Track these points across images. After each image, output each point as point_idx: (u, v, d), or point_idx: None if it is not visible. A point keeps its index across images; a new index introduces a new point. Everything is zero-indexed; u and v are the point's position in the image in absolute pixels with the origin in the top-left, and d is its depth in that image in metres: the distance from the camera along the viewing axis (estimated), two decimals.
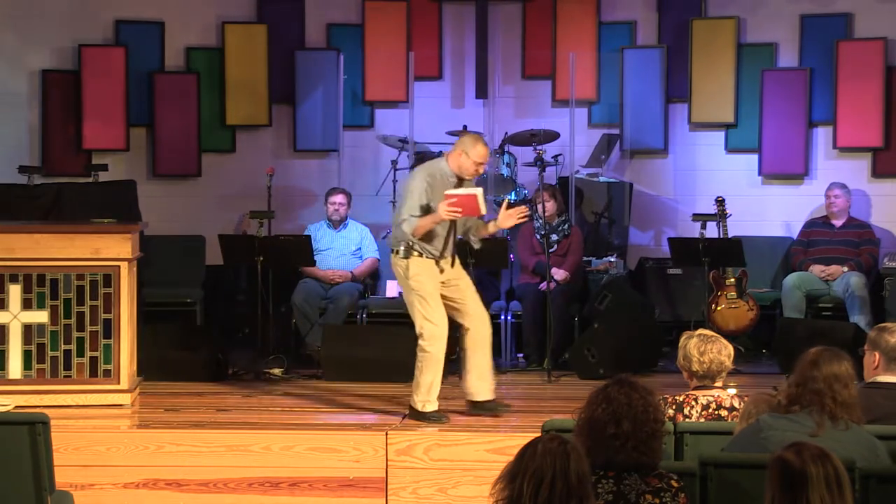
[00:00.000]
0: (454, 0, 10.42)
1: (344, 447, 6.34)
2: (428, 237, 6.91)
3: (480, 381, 7.01)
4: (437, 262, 6.95)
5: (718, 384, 5.20)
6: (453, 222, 6.98)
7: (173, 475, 6.34)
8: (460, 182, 6.97)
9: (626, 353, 8.22)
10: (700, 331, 5.31)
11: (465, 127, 9.89)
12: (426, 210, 6.87)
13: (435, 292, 6.90)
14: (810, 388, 4.25)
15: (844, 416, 4.25)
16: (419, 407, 6.81)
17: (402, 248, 6.92)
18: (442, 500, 6.23)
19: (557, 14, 10.29)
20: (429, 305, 6.86)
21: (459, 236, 7.22)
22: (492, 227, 7.13)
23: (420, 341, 6.87)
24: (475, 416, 7.21)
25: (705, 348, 5.16)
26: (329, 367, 8.20)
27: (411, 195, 6.93)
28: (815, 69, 9.89)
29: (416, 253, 6.91)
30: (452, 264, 7.05)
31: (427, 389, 6.83)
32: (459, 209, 6.76)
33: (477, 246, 7.41)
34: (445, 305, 6.93)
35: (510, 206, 7.21)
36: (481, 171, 7.06)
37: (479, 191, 6.82)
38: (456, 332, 7.08)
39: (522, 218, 7.10)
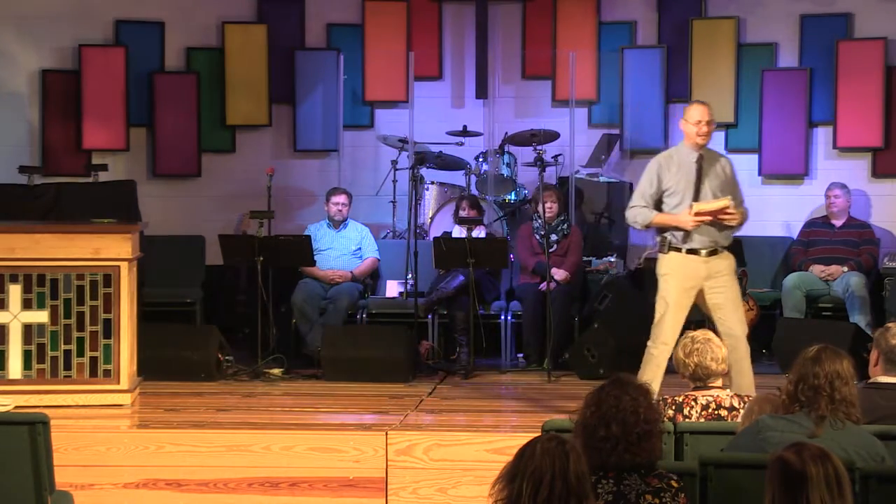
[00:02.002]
0: (454, 0, 10.42)
1: (344, 447, 6.33)
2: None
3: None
4: (696, 256, 6.63)
5: (718, 384, 5.20)
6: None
7: (173, 475, 6.33)
8: (702, 157, 6.71)
9: (626, 353, 8.19)
10: (698, 331, 5.31)
11: (464, 127, 9.90)
12: (658, 196, 6.69)
13: (679, 297, 6.62)
14: (811, 384, 4.25)
15: (843, 413, 4.24)
16: None
17: (659, 242, 6.70)
18: (442, 500, 6.23)
19: (557, 14, 10.30)
20: (668, 308, 6.64)
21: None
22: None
23: (650, 339, 6.71)
24: (475, 416, 7.23)
25: (691, 349, 5.17)
26: (329, 367, 8.20)
27: (641, 181, 6.78)
28: (815, 69, 9.89)
29: (672, 247, 6.66)
30: (717, 255, 6.67)
31: None
32: (709, 220, 6.54)
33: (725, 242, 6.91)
34: (704, 311, 6.70)
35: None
36: (705, 128, 6.68)
37: (725, 201, 6.55)
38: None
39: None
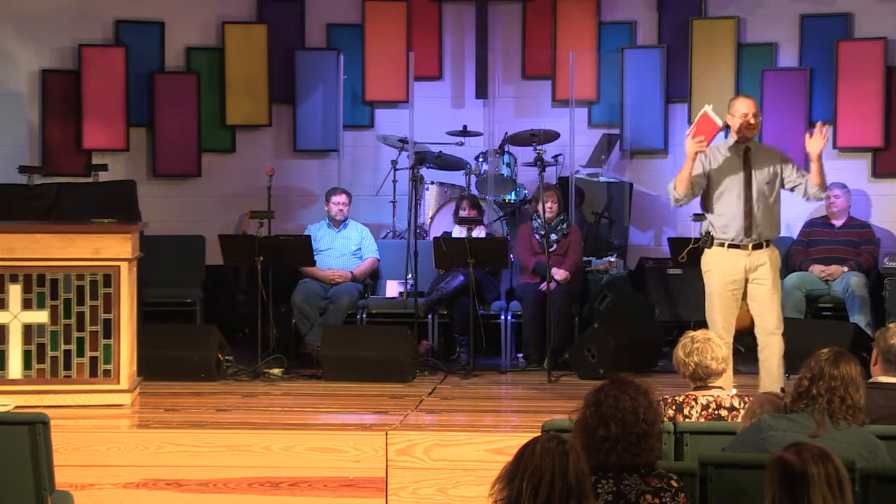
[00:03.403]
0: (454, 0, 10.42)
1: (344, 447, 6.33)
2: (720, 217, 6.70)
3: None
4: (738, 250, 6.69)
5: (718, 384, 5.20)
6: (748, 195, 6.69)
7: (173, 475, 6.33)
8: (748, 149, 6.75)
9: (626, 353, 8.22)
10: (699, 332, 5.31)
11: (464, 127, 9.91)
12: (699, 180, 6.72)
13: (724, 291, 6.68)
14: (826, 383, 4.27)
15: (851, 417, 4.25)
16: None
17: (703, 237, 6.76)
18: (442, 500, 6.23)
19: (557, 14, 10.30)
20: (712, 305, 6.70)
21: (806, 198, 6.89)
22: (815, 167, 6.73)
23: None
24: (475, 416, 7.24)
25: (691, 349, 5.17)
26: (329, 367, 8.20)
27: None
28: (815, 69, 9.90)
29: (713, 242, 6.72)
30: (761, 249, 6.71)
31: None
32: (702, 136, 6.54)
33: (821, 196, 6.95)
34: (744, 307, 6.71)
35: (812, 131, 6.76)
36: (753, 121, 6.73)
37: (706, 107, 6.63)
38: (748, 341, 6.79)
39: (825, 136, 6.69)
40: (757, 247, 6.75)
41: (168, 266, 9.44)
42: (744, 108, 6.77)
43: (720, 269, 6.73)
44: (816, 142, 6.72)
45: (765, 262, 6.76)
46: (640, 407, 3.83)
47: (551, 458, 3.34)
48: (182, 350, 8.14)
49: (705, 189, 6.81)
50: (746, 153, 6.80)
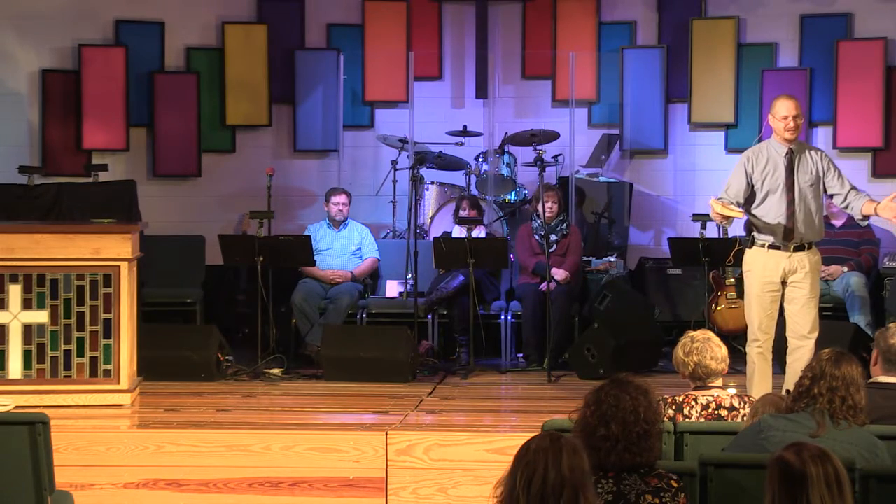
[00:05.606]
0: (454, 0, 10.42)
1: (344, 447, 6.33)
2: (762, 220, 6.64)
3: None
4: (778, 251, 6.63)
5: (718, 384, 5.20)
6: (791, 199, 6.62)
7: (173, 475, 6.33)
8: (791, 151, 6.68)
9: (626, 353, 8.22)
10: (699, 332, 5.31)
11: (464, 127, 9.90)
12: (746, 190, 6.65)
13: (761, 292, 6.65)
14: (827, 384, 4.27)
15: (850, 418, 4.25)
16: None
17: (746, 236, 6.74)
18: (442, 500, 6.23)
19: (557, 14, 10.30)
20: (751, 306, 6.68)
21: (841, 209, 6.82)
22: (870, 211, 6.61)
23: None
24: (475, 416, 7.24)
25: (691, 349, 5.17)
26: (329, 367, 8.20)
27: (730, 175, 6.76)
28: (815, 69, 9.90)
29: (756, 242, 6.69)
30: (803, 251, 6.64)
31: (747, 387, 6.63)
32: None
33: (861, 220, 6.92)
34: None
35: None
36: (793, 123, 6.64)
37: (737, 213, 6.61)
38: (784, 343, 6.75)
39: None
40: (798, 248, 6.68)
41: (168, 266, 9.45)
42: (784, 110, 6.66)
43: (759, 269, 6.68)
44: (889, 211, 6.57)
45: (805, 265, 6.67)
46: (641, 406, 3.83)
47: (545, 452, 3.35)
48: (182, 350, 8.14)
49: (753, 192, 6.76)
50: (789, 155, 6.71)
